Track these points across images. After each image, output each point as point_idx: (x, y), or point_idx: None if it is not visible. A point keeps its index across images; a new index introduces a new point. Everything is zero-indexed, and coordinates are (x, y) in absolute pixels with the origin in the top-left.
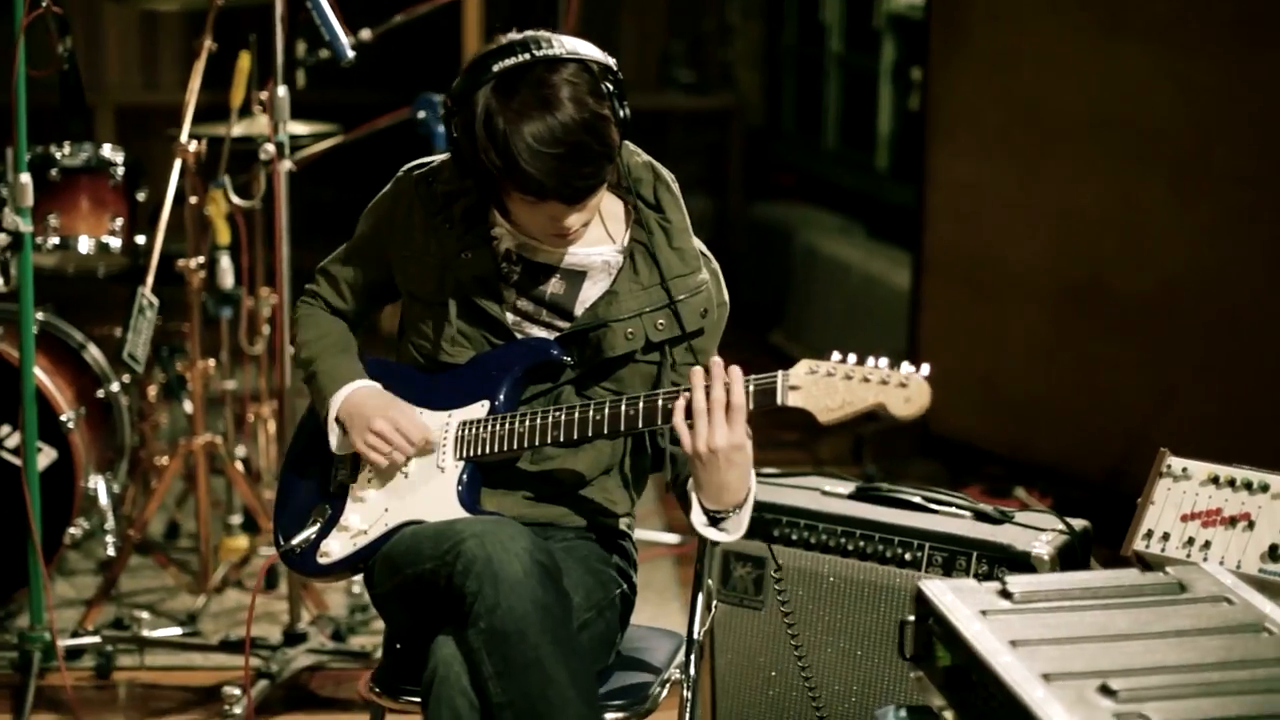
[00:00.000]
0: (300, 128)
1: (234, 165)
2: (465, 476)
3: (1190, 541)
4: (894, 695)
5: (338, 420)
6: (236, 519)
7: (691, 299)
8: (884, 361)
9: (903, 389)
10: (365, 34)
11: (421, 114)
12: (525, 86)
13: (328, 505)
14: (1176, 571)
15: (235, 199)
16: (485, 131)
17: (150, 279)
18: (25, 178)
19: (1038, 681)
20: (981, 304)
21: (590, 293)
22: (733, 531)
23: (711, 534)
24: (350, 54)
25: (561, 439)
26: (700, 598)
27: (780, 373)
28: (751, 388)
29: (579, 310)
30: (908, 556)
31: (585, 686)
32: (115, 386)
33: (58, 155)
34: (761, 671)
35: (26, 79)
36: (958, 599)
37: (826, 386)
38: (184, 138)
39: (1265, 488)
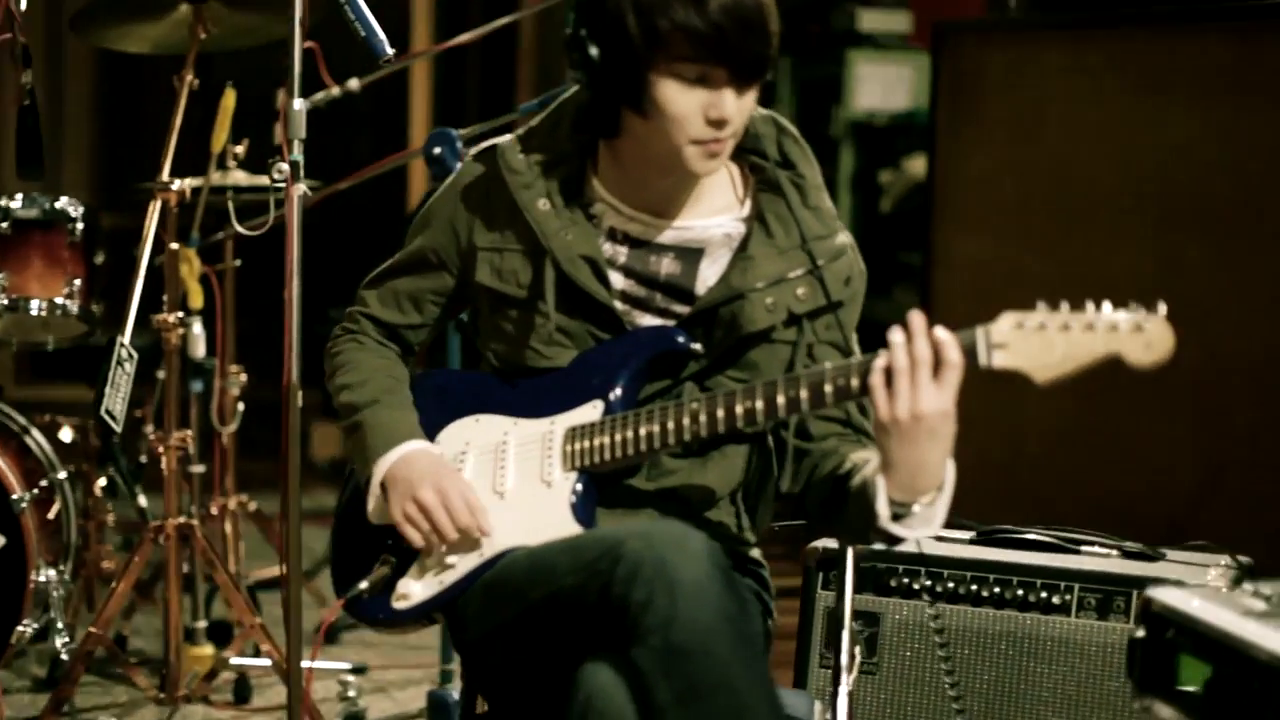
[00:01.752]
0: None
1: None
2: (580, 487)
3: None
4: None
5: (382, 484)
6: (201, 624)
7: (834, 264)
8: (1106, 306)
9: (1140, 334)
10: (353, 84)
11: (437, 150)
12: None
13: (401, 542)
14: None
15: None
16: None
17: (129, 329)
18: None
19: None
20: (998, 390)
21: (710, 272)
22: (920, 528)
23: (898, 530)
24: (389, 50)
25: (704, 434)
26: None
27: (980, 328)
28: None
29: (700, 290)
30: (1055, 600)
31: (780, 714)
32: (61, 475)
33: (9, 205)
34: None
35: None
36: (1209, 604)
37: (1041, 341)
38: (164, 176)
39: None
